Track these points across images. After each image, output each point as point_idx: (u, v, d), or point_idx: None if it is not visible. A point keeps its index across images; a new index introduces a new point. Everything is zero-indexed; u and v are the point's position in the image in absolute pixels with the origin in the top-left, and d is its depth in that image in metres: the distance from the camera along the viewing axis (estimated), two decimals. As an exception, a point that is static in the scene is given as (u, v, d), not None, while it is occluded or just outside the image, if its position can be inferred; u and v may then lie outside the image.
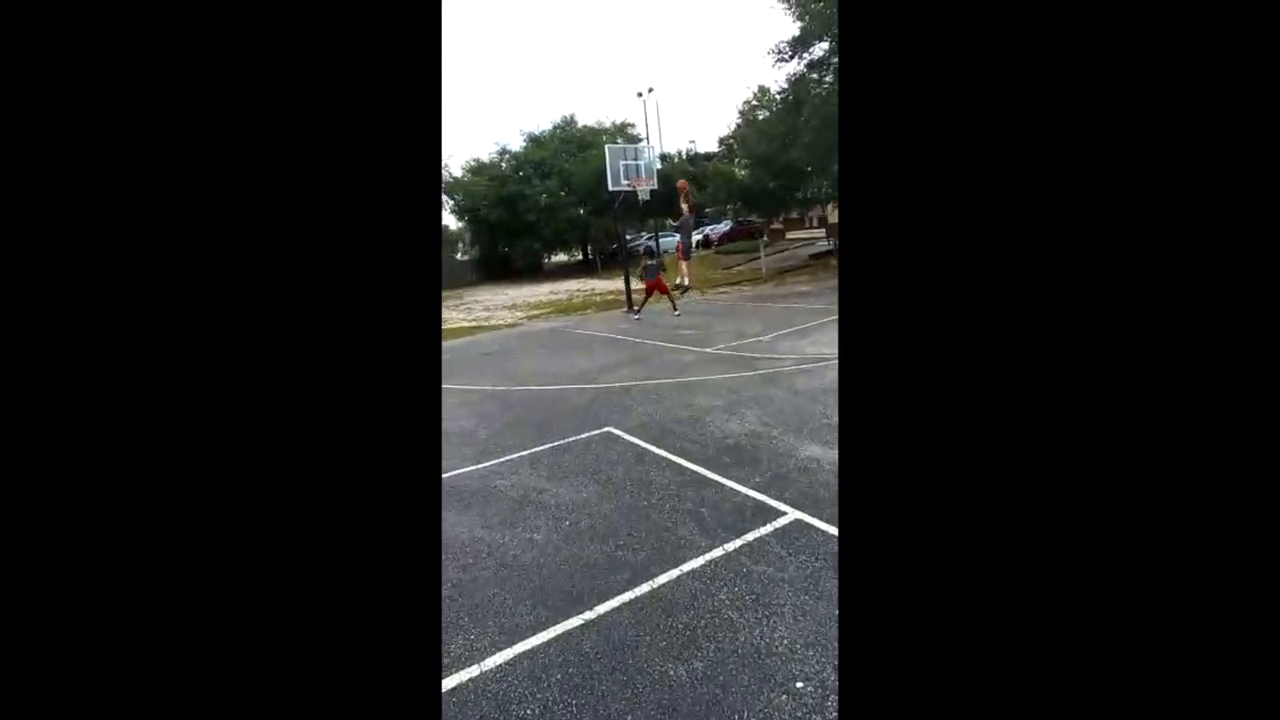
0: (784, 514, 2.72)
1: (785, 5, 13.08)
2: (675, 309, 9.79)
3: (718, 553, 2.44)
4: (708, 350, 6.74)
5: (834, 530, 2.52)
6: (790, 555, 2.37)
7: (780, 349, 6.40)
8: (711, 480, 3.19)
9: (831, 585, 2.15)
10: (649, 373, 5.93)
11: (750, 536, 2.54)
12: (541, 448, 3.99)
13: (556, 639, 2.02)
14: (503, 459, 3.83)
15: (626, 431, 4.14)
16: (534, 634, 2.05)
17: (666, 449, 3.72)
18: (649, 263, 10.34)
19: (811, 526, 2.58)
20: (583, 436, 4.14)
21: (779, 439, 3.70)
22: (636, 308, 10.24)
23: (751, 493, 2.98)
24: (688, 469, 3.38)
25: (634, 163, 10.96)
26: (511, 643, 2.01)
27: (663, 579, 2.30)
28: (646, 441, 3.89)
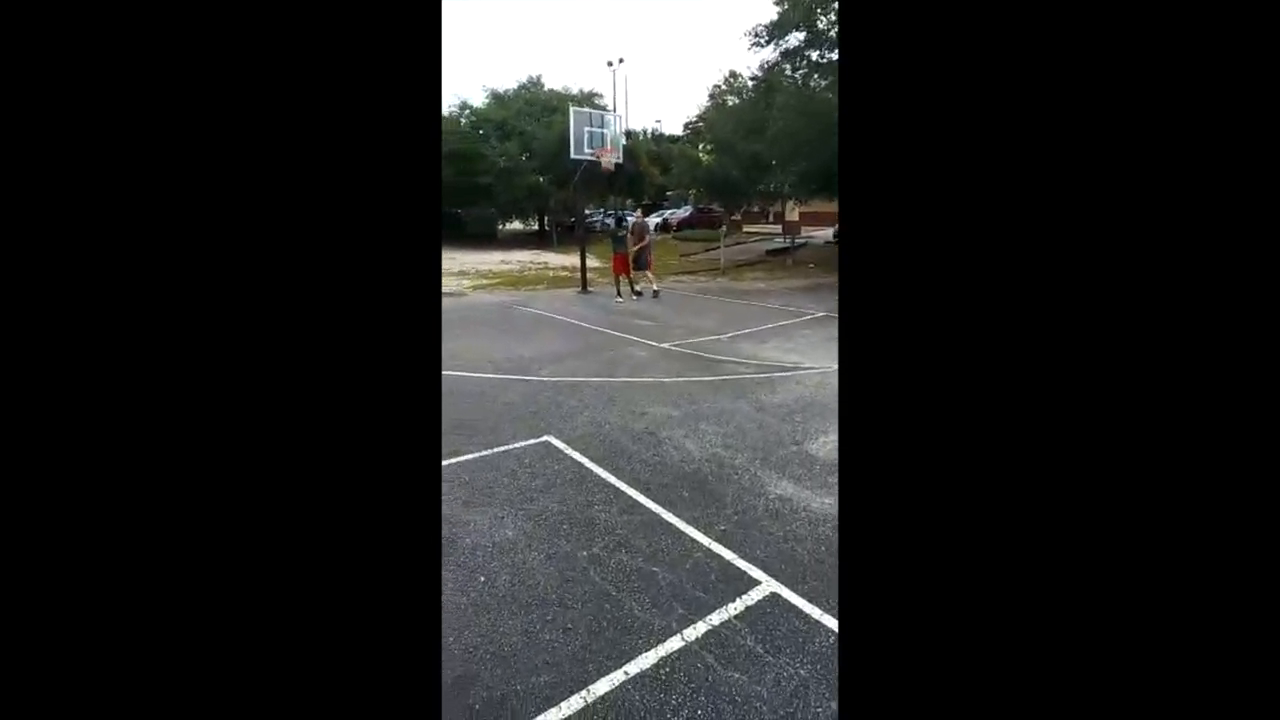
0: (757, 584, 2.18)
1: (769, -14, 12.44)
2: (630, 296, 9.40)
3: (674, 644, 1.87)
4: (664, 345, 6.17)
5: (817, 613, 2.01)
6: (769, 654, 1.83)
7: (740, 352, 5.92)
8: (667, 523, 2.63)
9: (823, 709, 1.62)
10: (599, 368, 5.31)
11: (716, 619, 1.99)
12: (464, 458, 3.30)
13: (442, 792, 1.40)
14: (413, 470, 3.13)
15: (568, 443, 3.51)
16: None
17: (614, 472, 3.13)
18: (620, 234, 9.81)
19: (791, 607, 2.05)
20: (515, 446, 3.49)
21: (744, 469, 3.18)
22: (627, 291, 9.58)
23: (716, 547, 2.43)
24: (638, 504, 2.80)
25: (599, 130, 10.13)
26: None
27: (601, 687, 1.71)
28: (591, 459, 3.29)
